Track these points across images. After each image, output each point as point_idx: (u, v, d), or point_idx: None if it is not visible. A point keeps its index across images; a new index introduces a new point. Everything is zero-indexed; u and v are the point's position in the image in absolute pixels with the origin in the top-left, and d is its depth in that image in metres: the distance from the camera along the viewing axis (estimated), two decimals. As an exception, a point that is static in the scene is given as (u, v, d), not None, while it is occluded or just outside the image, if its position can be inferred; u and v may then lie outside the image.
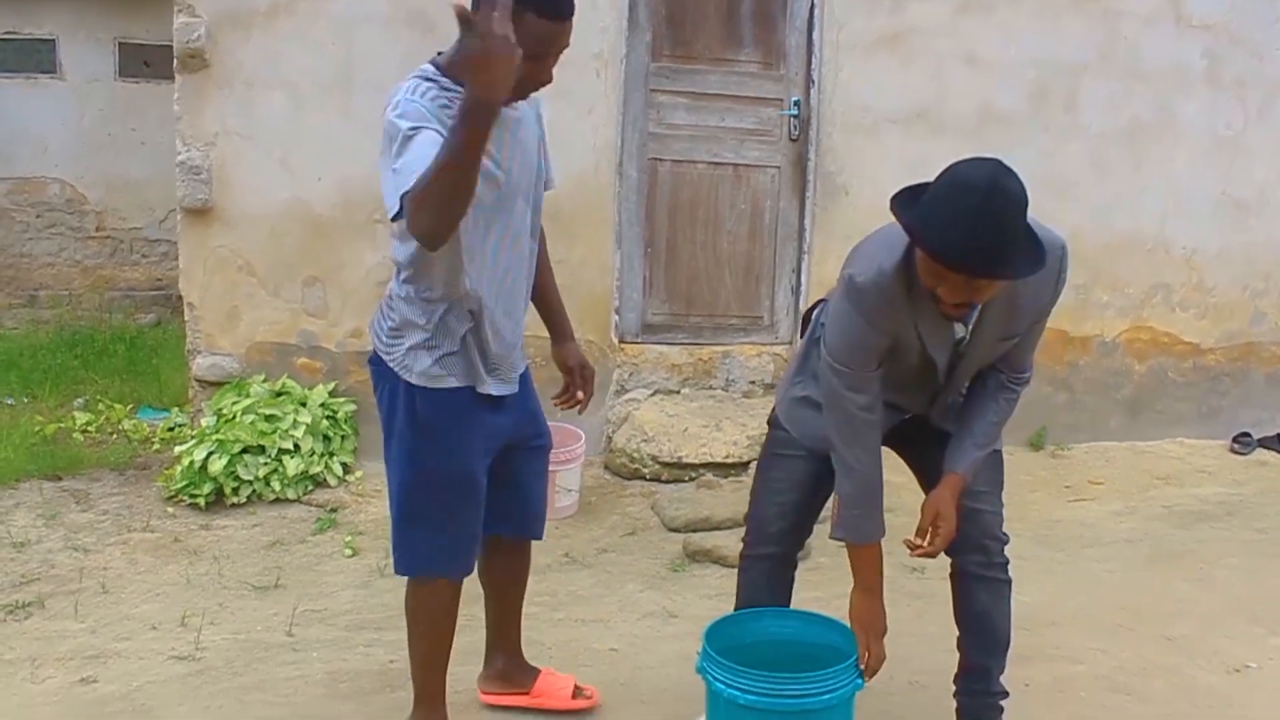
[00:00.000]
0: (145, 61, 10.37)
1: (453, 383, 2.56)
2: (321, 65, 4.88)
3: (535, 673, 3.11)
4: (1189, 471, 5.61)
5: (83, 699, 3.10)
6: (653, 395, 5.45)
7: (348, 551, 4.27)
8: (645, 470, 5.13)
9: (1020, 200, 2.20)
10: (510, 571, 3.05)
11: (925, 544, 2.61)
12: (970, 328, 2.45)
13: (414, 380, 2.55)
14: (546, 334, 3.03)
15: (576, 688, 3.09)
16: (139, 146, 10.42)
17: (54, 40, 10.32)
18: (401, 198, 2.16)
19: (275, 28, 4.84)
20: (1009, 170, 2.21)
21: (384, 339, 2.60)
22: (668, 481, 5.08)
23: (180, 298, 5.29)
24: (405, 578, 2.72)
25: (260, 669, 3.29)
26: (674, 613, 3.81)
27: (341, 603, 3.82)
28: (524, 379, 2.78)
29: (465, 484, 2.61)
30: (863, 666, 2.57)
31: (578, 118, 5.17)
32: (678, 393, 5.49)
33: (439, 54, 2.45)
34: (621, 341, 5.46)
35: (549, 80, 2.41)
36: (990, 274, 2.19)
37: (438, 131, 2.21)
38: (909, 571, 4.06)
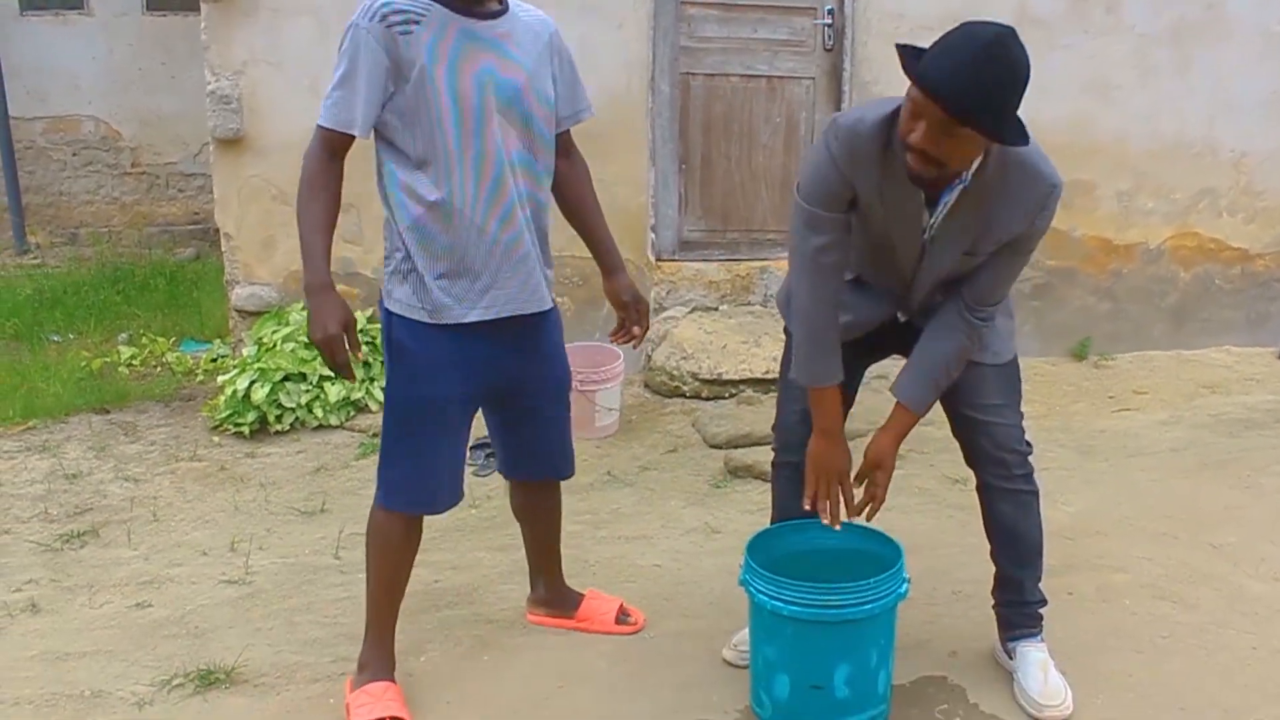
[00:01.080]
0: (172, -7, 10.31)
1: (424, 316, 2.52)
2: (347, -11, 4.82)
3: (579, 597, 3.12)
4: (1236, 379, 5.53)
5: (138, 623, 3.17)
6: (691, 313, 5.43)
7: (391, 475, 4.30)
8: (685, 388, 5.12)
9: (1018, 64, 2.16)
10: (539, 510, 3.04)
11: (859, 498, 2.60)
12: (935, 222, 2.40)
13: (391, 306, 2.55)
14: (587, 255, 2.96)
15: (622, 610, 3.10)
16: (169, 80, 10.40)
17: (80, -26, 10.27)
18: (318, 125, 2.43)
19: (300, -48, 4.79)
20: (1017, 38, 2.18)
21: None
22: (708, 399, 5.08)
23: (217, 231, 5.30)
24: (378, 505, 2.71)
25: (308, 591, 3.34)
26: (716, 528, 3.82)
27: (387, 525, 3.86)
28: (545, 318, 2.72)
29: (429, 413, 2.56)
30: (809, 505, 2.59)
31: (607, 33, 5.10)
32: (716, 309, 5.46)
33: None
34: (658, 259, 5.43)
35: None
36: (963, 113, 2.12)
37: (368, 61, 2.37)
38: (951, 483, 4.05)
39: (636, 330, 2.89)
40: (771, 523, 2.83)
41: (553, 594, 3.12)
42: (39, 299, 7.53)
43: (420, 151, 2.44)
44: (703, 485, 4.24)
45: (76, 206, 10.63)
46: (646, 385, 5.28)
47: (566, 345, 4.60)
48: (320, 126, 2.43)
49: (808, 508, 2.60)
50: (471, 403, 2.66)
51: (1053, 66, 5.44)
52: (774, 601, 2.39)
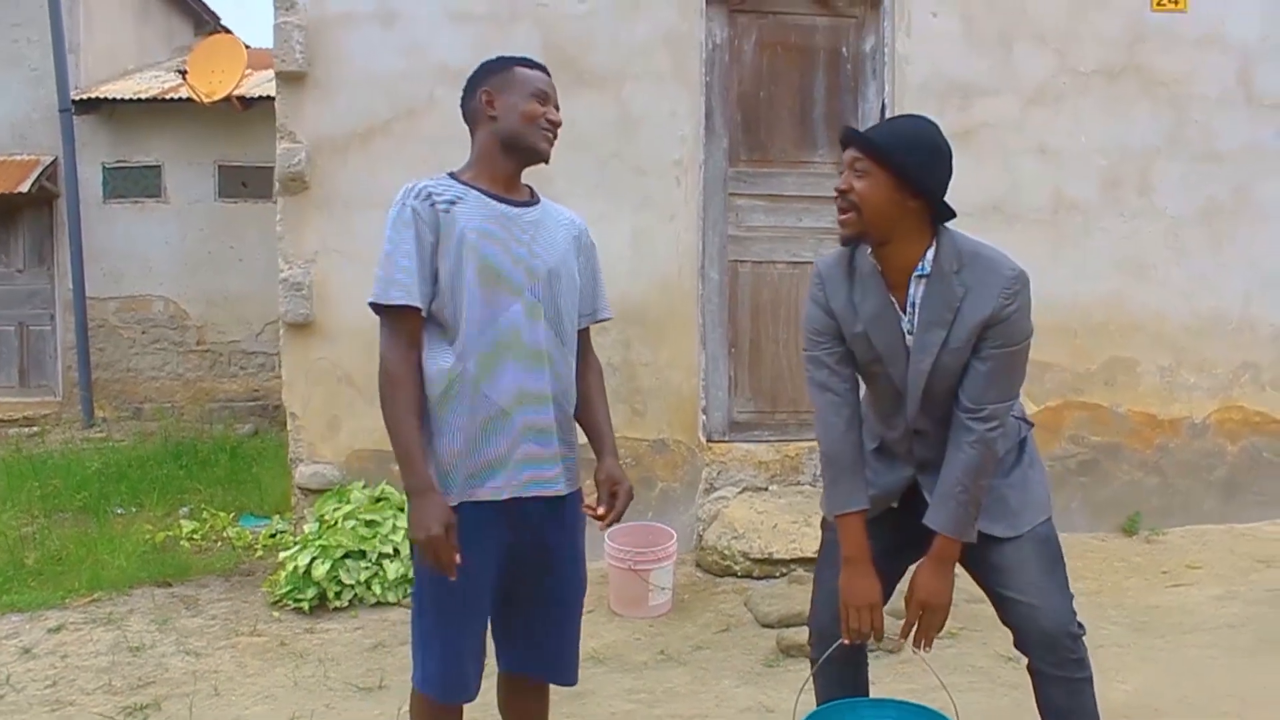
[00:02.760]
0: (243, 183, 10.93)
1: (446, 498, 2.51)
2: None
3: None
4: (1291, 554, 5.50)
5: (201, 799, 3.23)
6: (741, 493, 5.52)
7: (447, 652, 4.36)
8: (736, 567, 5.17)
9: (927, 130, 2.54)
10: (524, 716, 2.89)
11: (913, 636, 2.63)
12: (912, 321, 2.55)
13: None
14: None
15: None
16: (236, 263, 10.92)
17: (160, 166, 10.91)
18: (370, 303, 2.52)
19: (371, 149, 5.13)
20: (939, 131, 2.56)
21: None
22: (759, 578, 5.12)
23: (276, 408, 5.53)
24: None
25: (368, 769, 3.39)
26: (770, 707, 3.83)
27: (443, 702, 3.90)
28: (565, 503, 2.70)
29: (457, 597, 2.55)
30: (845, 639, 2.61)
31: (661, 224, 5.36)
32: (766, 489, 5.55)
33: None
34: (709, 440, 5.55)
35: (557, 120, 2.64)
36: (866, 146, 2.48)
37: (415, 237, 2.50)
38: (1004, 660, 4.05)
39: (602, 512, 2.72)
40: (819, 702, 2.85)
41: None
42: (105, 473, 7.79)
43: (449, 326, 2.52)
44: (756, 664, 4.25)
45: (142, 382, 11.03)
46: (698, 564, 5.34)
47: (622, 525, 4.69)
48: (387, 308, 2.49)
49: (845, 642, 2.63)
50: (496, 585, 2.62)
51: (1089, 248, 5.65)
52: (830, 782, 2.42)
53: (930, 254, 2.50)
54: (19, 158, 10.68)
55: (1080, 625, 2.64)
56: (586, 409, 2.81)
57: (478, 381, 2.52)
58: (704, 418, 5.52)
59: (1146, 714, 3.64)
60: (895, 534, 2.70)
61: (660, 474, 5.47)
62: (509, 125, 2.57)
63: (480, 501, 2.55)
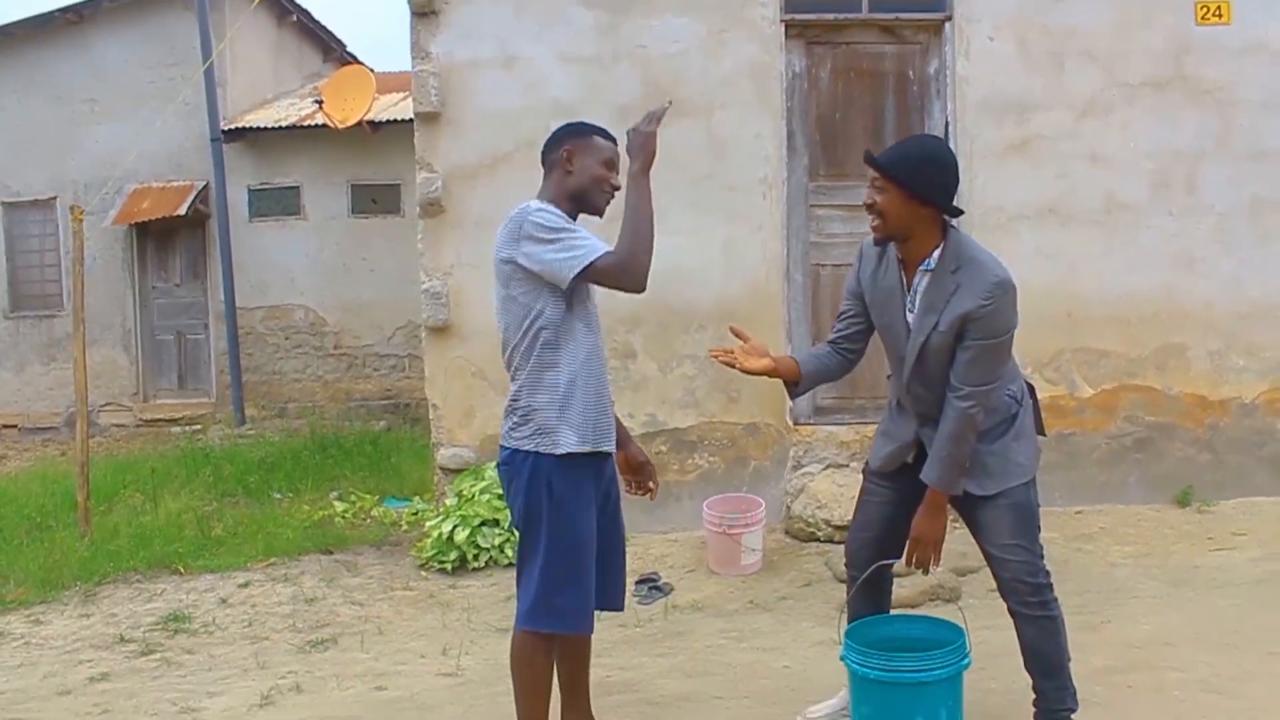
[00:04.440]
0: (373, 199, 11.92)
1: (574, 446, 3.17)
2: (532, 203, 5.96)
3: None
4: (1337, 524, 5.92)
5: (378, 699, 4.10)
6: (825, 469, 6.19)
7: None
8: (820, 533, 5.86)
9: (935, 147, 3.29)
10: (578, 642, 3.40)
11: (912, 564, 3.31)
12: (914, 300, 3.21)
13: (550, 450, 3.17)
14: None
15: None
16: (369, 274, 11.88)
17: (298, 187, 11.96)
18: (588, 266, 3.08)
19: (497, 176, 5.97)
20: (946, 144, 3.46)
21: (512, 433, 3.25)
22: (839, 542, 5.75)
23: (407, 405, 6.39)
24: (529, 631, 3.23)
25: (507, 682, 4.07)
26: (840, 641, 4.51)
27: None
28: (612, 461, 3.37)
29: (585, 541, 3.19)
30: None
31: (749, 234, 6.10)
32: (846, 466, 6.21)
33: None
34: (796, 424, 6.24)
35: (618, 185, 3.29)
36: (882, 169, 3.14)
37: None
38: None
39: (653, 485, 3.52)
40: (850, 619, 3.53)
41: None
42: (264, 463, 8.78)
43: (574, 328, 3.19)
44: (832, 611, 4.93)
45: (286, 383, 12.08)
46: (786, 532, 6.04)
47: (719, 496, 5.50)
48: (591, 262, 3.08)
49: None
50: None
51: (1141, 244, 6.20)
52: (863, 669, 3.14)
53: (937, 253, 3.19)
54: (176, 184, 11.84)
55: (1045, 574, 3.27)
56: None
57: (592, 365, 3.25)
58: (791, 404, 6.21)
59: (1158, 646, 4.24)
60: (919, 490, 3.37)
61: (753, 453, 6.19)
62: (580, 183, 3.26)
63: (598, 453, 3.25)
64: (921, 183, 3.13)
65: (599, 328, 3.35)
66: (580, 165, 3.26)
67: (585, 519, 3.20)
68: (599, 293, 3.33)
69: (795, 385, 3.50)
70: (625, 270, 3.09)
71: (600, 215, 3.34)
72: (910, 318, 3.26)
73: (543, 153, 3.36)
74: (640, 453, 3.54)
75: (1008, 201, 6.15)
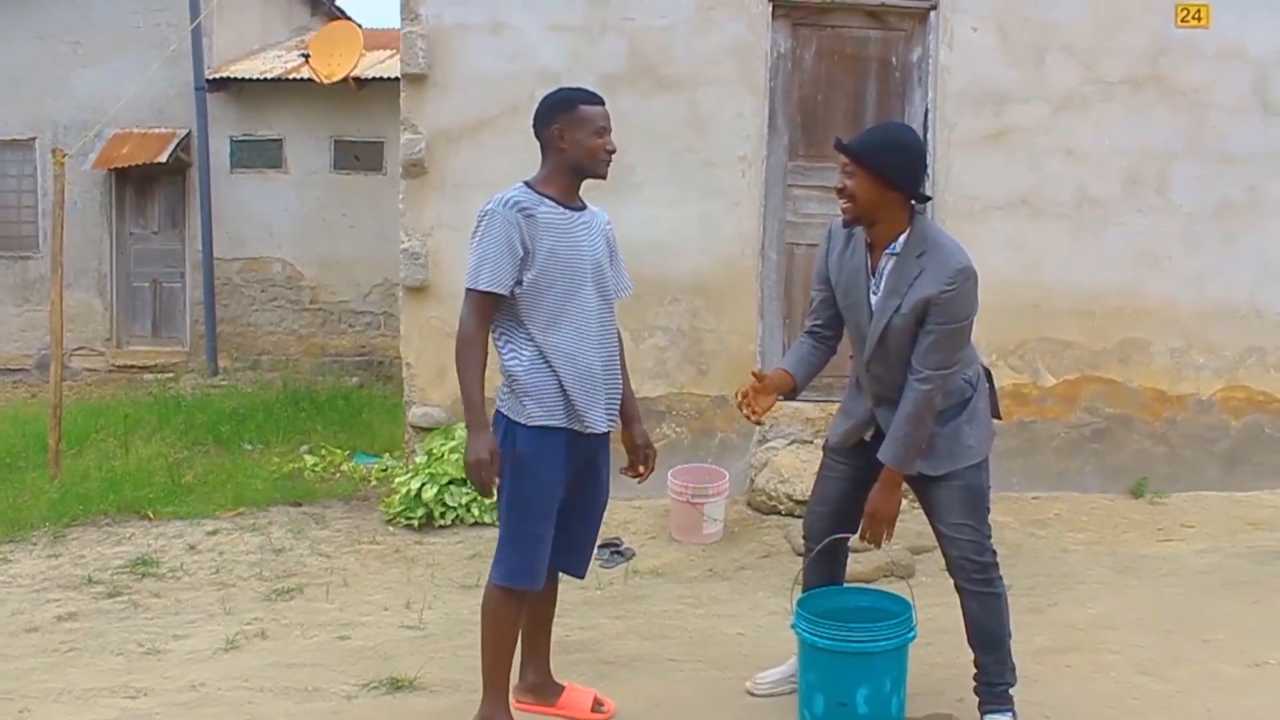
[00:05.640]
0: (355, 156, 11.92)
1: (541, 420, 3.26)
2: (516, 168, 5.84)
3: (560, 689, 3.61)
4: (1281, 519, 6.11)
5: (341, 648, 4.21)
6: (790, 444, 6.31)
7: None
8: (781, 507, 5.98)
9: (902, 133, 3.45)
10: (545, 596, 3.55)
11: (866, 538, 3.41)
12: (878, 284, 3.31)
13: (519, 419, 3.28)
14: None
15: (596, 700, 3.60)
16: (348, 230, 11.90)
17: (281, 140, 11.94)
18: (467, 289, 3.29)
19: (480, 140, 6.03)
20: (913, 131, 3.48)
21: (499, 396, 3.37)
22: (800, 517, 5.89)
23: (380, 363, 6.46)
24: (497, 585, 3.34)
25: (468, 636, 4.27)
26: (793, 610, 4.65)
27: (528, 598, 4.82)
28: (603, 440, 3.43)
29: (546, 506, 3.29)
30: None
31: (726, 210, 6.19)
32: (810, 442, 6.33)
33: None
34: (762, 397, 6.35)
35: (613, 149, 3.38)
36: (850, 152, 3.22)
37: (506, 238, 3.24)
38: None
39: (642, 469, 3.57)
40: (803, 590, 3.64)
41: (539, 681, 3.61)
42: (235, 414, 8.83)
43: (549, 307, 3.26)
44: (787, 582, 4.97)
45: (261, 336, 12.11)
46: (749, 504, 6.16)
47: (684, 466, 5.61)
48: (477, 291, 3.24)
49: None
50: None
51: (1108, 240, 6.33)
52: (813, 637, 3.26)
53: (903, 238, 3.29)
54: (157, 131, 11.79)
55: (991, 553, 3.40)
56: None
57: (566, 349, 3.30)
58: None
59: (1099, 629, 4.39)
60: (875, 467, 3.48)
61: (720, 425, 6.30)
62: (577, 157, 3.33)
63: (575, 431, 3.33)
64: (890, 168, 3.23)
65: (606, 310, 3.42)
66: (572, 140, 3.32)
67: (545, 485, 3.29)
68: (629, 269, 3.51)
69: (792, 393, 3.62)
70: (458, 328, 3.35)
71: (604, 179, 3.43)
72: (874, 300, 3.35)
73: (534, 127, 3.42)
74: (641, 435, 3.59)
75: (982, 191, 6.26)
